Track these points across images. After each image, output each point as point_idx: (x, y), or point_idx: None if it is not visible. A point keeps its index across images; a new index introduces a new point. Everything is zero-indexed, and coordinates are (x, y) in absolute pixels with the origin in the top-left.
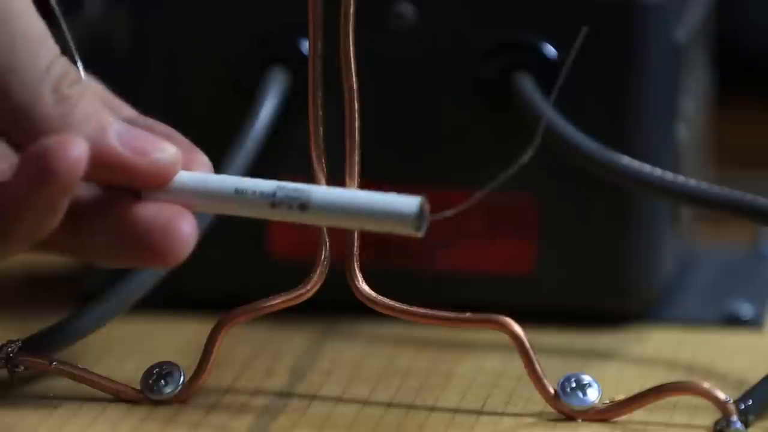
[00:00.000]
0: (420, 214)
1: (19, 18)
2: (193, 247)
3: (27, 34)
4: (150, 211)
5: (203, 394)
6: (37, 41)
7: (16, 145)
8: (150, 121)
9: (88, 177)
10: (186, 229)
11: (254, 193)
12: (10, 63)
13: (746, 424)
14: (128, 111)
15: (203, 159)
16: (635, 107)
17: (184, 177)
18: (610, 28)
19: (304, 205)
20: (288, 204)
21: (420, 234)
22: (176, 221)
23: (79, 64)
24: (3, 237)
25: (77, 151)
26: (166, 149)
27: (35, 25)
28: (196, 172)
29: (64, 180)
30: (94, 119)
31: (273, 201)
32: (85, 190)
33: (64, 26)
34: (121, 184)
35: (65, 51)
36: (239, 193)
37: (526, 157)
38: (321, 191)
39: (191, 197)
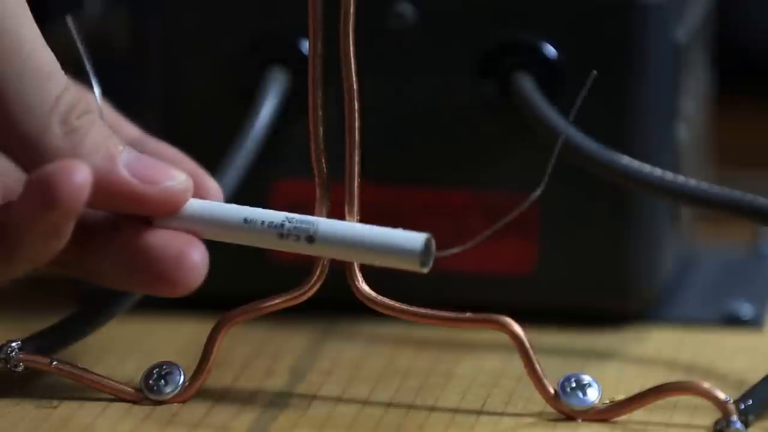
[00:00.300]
0: (425, 250)
1: (29, 52)
2: (204, 275)
3: (36, 67)
4: (161, 239)
5: (203, 394)
6: (47, 74)
7: (26, 171)
8: (158, 144)
9: (99, 205)
10: (197, 259)
11: (263, 223)
12: (20, 96)
13: (746, 424)
14: (134, 131)
15: (213, 185)
16: (635, 107)
17: (194, 205)
18: (610, 28)
19: (311, 237)
20: (296, 236)
21: (425, 270)
22: (188, 251)
23: (95, 86)
24: (6, 259)
25: (81, 176)
26: (176, 177)
27: (45, 58)
28: (206, 201)
29: (67, 205)
30: (103, 148)
31: (281, 232)
32: (95, 214)
33: (81, 49)
34: (131, 212)
35: (82, 70)
36: (248, 223)
37: (543, 185)
38: (329, 224)
39: (201, 225)
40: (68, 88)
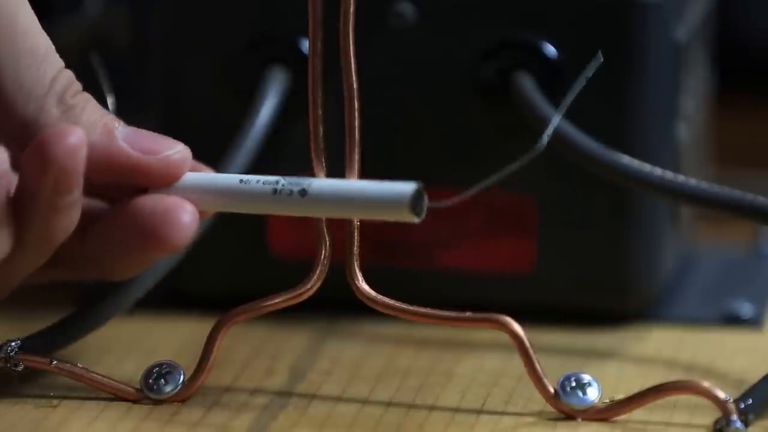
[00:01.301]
0: (416, 198)
1: (24, 35)
2: (192, 236)
3: (32, 51)
4: (150, 200)
5: (203, 393)
6: (42, 56)
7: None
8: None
9: (100, 179)
10: (185, 218)
11: (258, 181)
12: (16, 80)
13: (746, 423)
14: None
15: (208, 169)
16: (635, 106)
17: (190, 176)
18: (610, 27)
19: (304, 190)
20: (289, 190)
21: (417, 220)
22: (175, 209)
23: (110, 102)
24: (19, 241)
25: (75, 137)
26: (174, 147)
27: (40, 41)
28: (202, 173)
29: (62, 164)
30: (100, 124)
31: (275, 188)
32: (94, 203)
33: (104, 81)
34: (131, 184)
35: (99, 92)
36: (243, 183)
37: (529, 156)
38: (322, 180)
39: (197, 193)
40: (63, 69)
